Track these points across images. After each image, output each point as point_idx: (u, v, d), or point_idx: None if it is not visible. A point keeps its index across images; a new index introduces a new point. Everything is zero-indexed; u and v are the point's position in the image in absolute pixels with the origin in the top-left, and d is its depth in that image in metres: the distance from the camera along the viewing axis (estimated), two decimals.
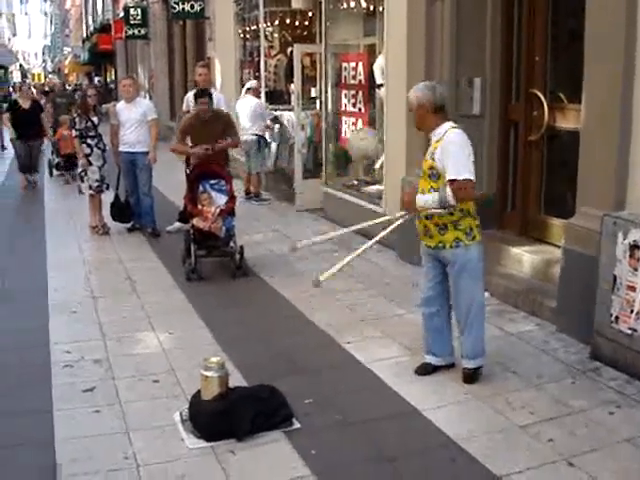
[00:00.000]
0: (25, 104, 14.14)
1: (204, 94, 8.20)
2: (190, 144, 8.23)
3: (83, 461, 4.10)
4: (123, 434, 4.39)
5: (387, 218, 5.23)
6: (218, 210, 7.58)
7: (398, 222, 5.04)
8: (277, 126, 12.53)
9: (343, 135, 10.14)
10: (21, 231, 10.44)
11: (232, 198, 7.81)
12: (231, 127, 8.42)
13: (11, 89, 40.83)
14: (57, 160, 15.10)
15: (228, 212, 7.69)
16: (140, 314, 6.58)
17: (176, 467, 4.02)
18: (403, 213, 4.98)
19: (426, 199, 4.66)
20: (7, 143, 16.70)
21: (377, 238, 5.13)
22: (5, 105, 16.61)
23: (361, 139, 5.56)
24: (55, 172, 15.34)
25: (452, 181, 4.53)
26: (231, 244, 7.79)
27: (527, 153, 7.14)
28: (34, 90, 21.47)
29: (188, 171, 8.45)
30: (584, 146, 5.62)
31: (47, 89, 25.19)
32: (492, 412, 4.56)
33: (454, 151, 4.58)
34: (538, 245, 6.88)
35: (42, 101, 17.59)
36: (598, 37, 5.38)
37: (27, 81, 48.22)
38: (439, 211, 4.65)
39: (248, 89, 12.31)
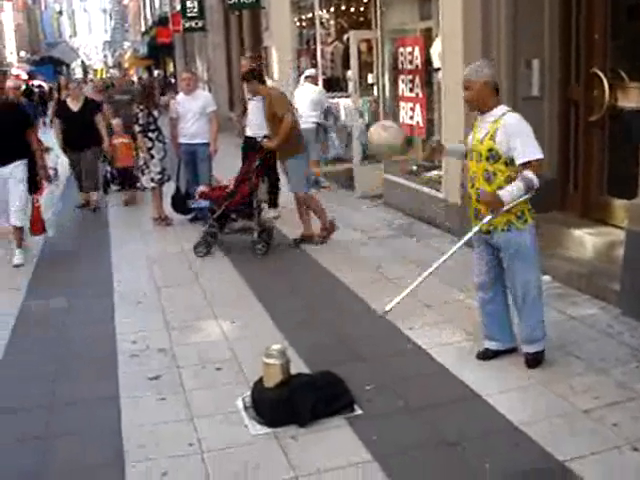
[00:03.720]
0: (74, 106, 11.24)
1: None
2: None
3: (149, 447, 4.20)
4: (188, 421, 4.49)
5: (470, 234, 4.92)
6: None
7: (480, 225, 4.78)
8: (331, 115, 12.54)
9: (400, 121, 10.09)
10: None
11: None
12: None
13: (44, 86, 37.26)
14: (109, 172, 12.49)
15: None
16: (203, 303, 6.68)
17: (239, 453, 4.09)
18: (490, 217, 4.67)
19: (511, 191, 4.52)
20: (60, 165, 11.07)
21: (452, 251, 4.95)
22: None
23: (386, 128, 5.26)
24: (113, 187, 12.65)
25: (527, 163, 4.49)
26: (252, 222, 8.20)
27: (588, 134, 7.02)
28: (90, 86, 17.71)
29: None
30: None
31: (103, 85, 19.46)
32: (554, 397, 4.51)
33: (521, 132, 4.54)
34: (600, 227, 6.77)
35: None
36: None
37: (81, 77, 45.81)
38: (526, 197, 4.59)
39: (307, 77, 12.32)
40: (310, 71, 12.59)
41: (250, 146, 9.58)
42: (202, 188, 8.58)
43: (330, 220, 8.59)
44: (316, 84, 12.28)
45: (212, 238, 8.35)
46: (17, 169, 8.05)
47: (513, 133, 4.54)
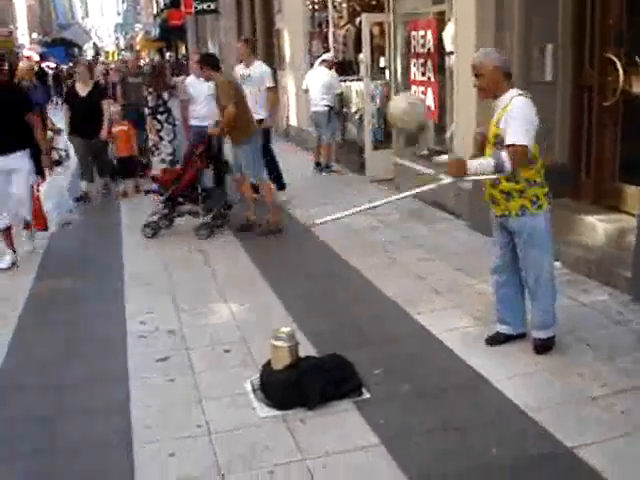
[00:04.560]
0: (83, 90, 10.61)
1: None
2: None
3: (157, 428, 4.22)
4: (196, 403, 4.50)
5: (435, 185, 5.05)
6: None
7: (440, 183, 4.93)
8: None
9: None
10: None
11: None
12: None
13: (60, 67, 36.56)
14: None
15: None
16: (211, 285, 6.70)
17: (247, 435, 4.10)
18: (448, 180, 4.73)
19: (480, 163, 4.51)
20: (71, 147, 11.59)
21: (411, 192, 5.14)
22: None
23: (409, 102, 5.29)
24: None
25: (509, 145, 4.43)
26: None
27: (601, 119, 6.96)
28: (100, 68, 18.09)
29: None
30: None
31: (113, 67, 19.17)
32: (563, 383, 4.50)
33: (517, 117, 4.47)
34: (613, 213, 6.73)
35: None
36: None
37: (91, 58, 44.10)
38: (493, 177, 4.55)
39: (323, 60, 12.29)
40: (326, 55, 12.56)
41: None
42: (155, 172, 8.57)
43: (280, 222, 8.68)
44: (330, 68, 12.24)
45: (164, 220, 8.52)
46: (21, 161, 7.42)
47: (512, 117, 4.48)
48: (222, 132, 8.37)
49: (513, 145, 4.42)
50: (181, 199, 8.51)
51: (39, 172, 7.74)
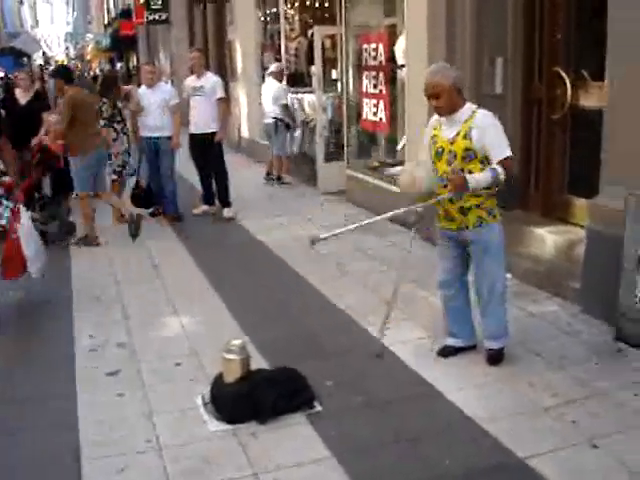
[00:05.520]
0: (22, 97, 9.87)
1: None
2: None
3: (106, 444, 4.13)
4: (146, 417, 4.42)
5: (420, 205, 4.92)
6: None
7: (427, 203, 4.86)
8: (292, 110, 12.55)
9: (364, 117, 10.08)
10: None
11: None
12: None
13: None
14: None
15: None
16: (163, 298, 6.61)
17: (198, 450, 4.04)
18: (447, 195, 4.67)
19: (478, 179, 4.53)
20: None
21: (392, 213, 5.10)
22: None
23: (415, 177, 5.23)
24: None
25: (505, 159, 4.53)
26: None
27: (550, 132, 7.06)
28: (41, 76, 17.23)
29: None
30: (608, 124, 5.54)
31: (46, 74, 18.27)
32: (515, 394, 4.53)
33: (496, 132, 4.58)
34: (562, 225, 6.81)
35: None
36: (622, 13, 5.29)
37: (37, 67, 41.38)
38: (488, 191, 4.62)
39: (270, 73, 12.29)
40: (273, 66, 12.55)
41: (197, 144, 9.76)
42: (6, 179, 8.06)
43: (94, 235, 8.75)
44: (279, 79, 12.23)
45: None
46: None
47: (488, 132, 4.55)
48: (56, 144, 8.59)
49: (507, 158, 4.53)
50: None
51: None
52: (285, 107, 12.08)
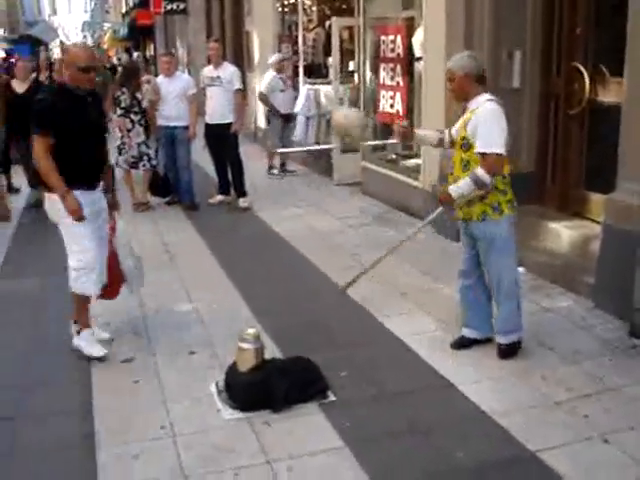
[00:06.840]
0: (20, 87, 9.84)
1: None
2: None
3: (121, 431, 4.17)
4: (161, 405, 4.46)
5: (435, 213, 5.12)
6: None
7: (433, 216, 5.12)
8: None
9: (381, 109, 10.07)
10: None
11: None
12: None
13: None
14: None
15: None
16: (178, 286, 6.64)
17: (212, 437, 4.07)
18: (440, 209, 4.94)
19: (460, 186, 4.58)
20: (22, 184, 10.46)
21: (410, 234, 5.34)
22: None
23: (345, 116, 5.64)
24: None
25: (482, 154, 4.50)
26: None
27: (567, 127, 7.04)
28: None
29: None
30: (626, 120, 5.52)
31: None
32: (527, 388, 4.53)
33: (486, 122, 4.52)
34: (578, 220, 6.80)
35: None
36: None
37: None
38: (480, 192, 4.60)
39: (270, 64, 12.31)
40: (273, 57, 12.51)
41: (213, 134, 9.74)
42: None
43: None
44: (280, 70, 12.23)
45: None
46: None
47: (480, 122, 4.53)
48: None
49: (485, 154, 4.48)
50: None
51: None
52: (265, 98, 12.08)
